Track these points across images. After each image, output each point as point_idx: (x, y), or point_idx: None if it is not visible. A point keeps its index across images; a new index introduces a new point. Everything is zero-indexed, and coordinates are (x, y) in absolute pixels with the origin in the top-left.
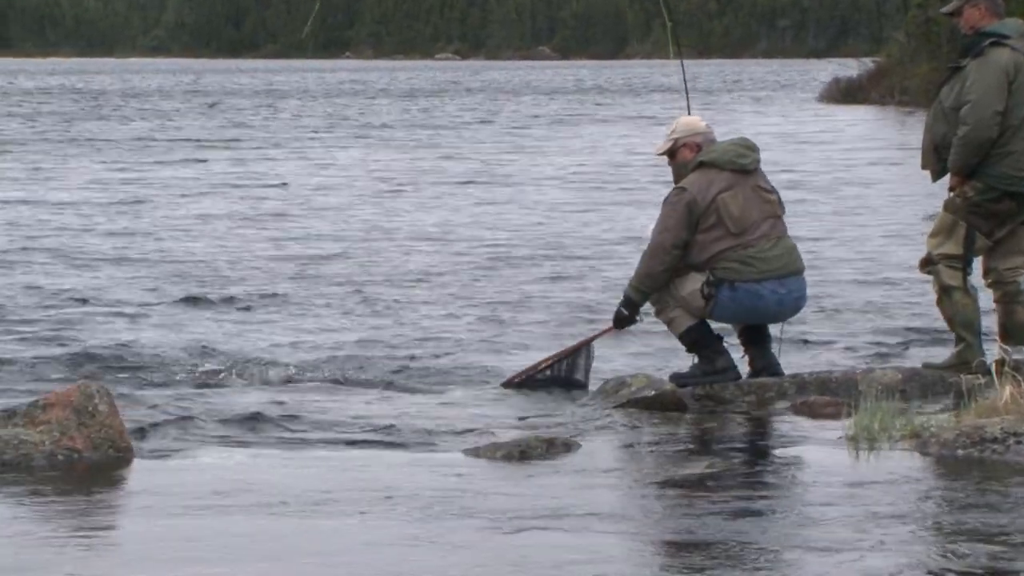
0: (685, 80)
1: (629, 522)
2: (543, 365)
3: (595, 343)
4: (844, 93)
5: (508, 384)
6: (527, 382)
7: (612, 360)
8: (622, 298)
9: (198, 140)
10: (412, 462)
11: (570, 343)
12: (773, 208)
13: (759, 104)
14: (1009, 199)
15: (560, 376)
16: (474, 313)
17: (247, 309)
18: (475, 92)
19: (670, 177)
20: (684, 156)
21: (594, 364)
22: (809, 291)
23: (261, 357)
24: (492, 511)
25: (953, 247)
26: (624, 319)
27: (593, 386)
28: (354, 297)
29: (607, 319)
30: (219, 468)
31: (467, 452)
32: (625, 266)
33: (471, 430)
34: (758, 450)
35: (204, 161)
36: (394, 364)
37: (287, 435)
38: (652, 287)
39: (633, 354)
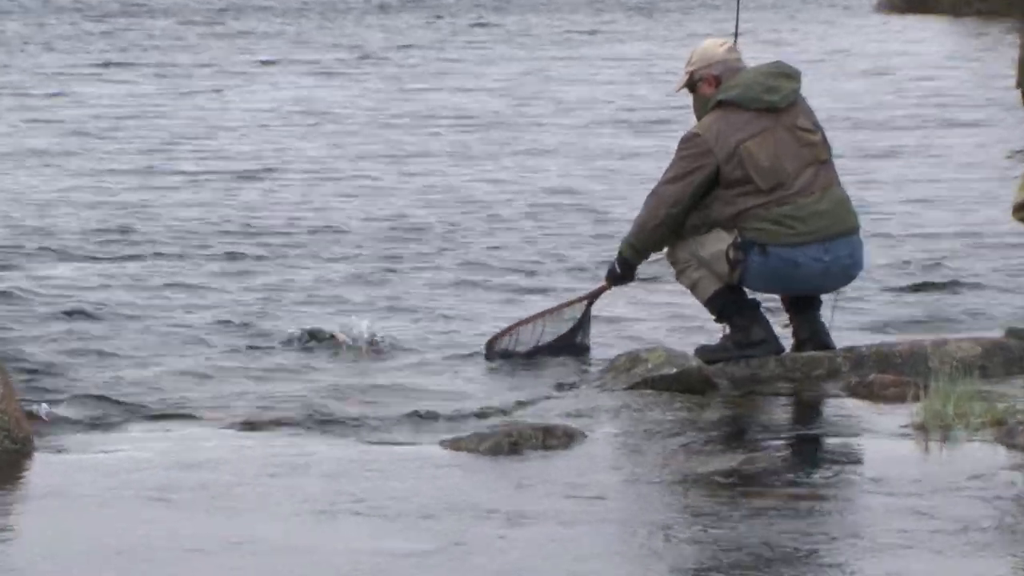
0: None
1: (644, 531)
2: (529, 323)
3: (595, 307)
4: (908, 0)
5: (491, 349)
6: (517, 353)
7: (625, 330)
8: (617, 253)
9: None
10: (372, 455)
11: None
12: (815, 152)
13: (804, 16)
14: None
15: (558, 344)
16: (463, 274)
17: (184, 270)
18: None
19: None
20: (704, 92)
21: (604, 335)
22: (869, 247)
23: (191, 325)
24: (468, 523)
25: None
26: (617, 277)
27: (600, 359)
28: (311, 250)
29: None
30: (132, 461)
31: (444, 444)
32: None
33: (449, 415)
34: (804, 442)
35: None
36: (353, 330)
37: (219, 421)
38: (646, 245)
39: (650, 322)
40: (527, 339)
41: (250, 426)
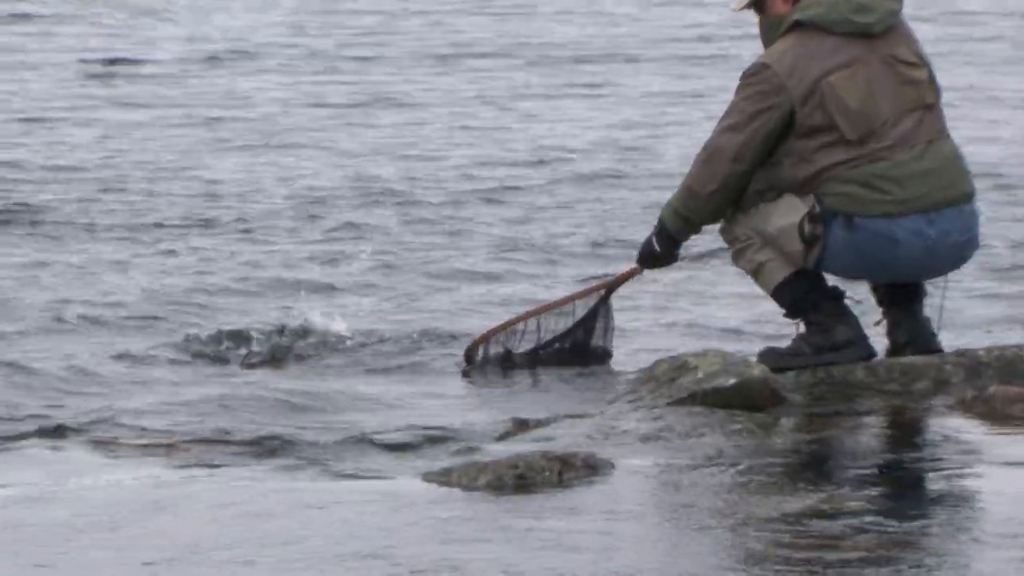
0: None
1: None
2: (527, 320)
3: (615, 295)
4: None
5: (474, 355)
6: (512, 360)
7: (663, 329)
8: (656, 225)
9: None
10: (312, 489)
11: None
12: (920, 93)
13: None
14: None
15: (567, 347)
16: (454, 260)
17: (81, 246)
18: None
19: None
20: (775, 10)
21: (637, 335)
22: (986, 223)
23: (92, 318)
24: None
25: None
26: (655, 256)
27: (632, 367)
28: (248, 224)
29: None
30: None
31: (429, 478)
32: None
33: (439, 439)
34: (900, 476)
35: None
36: (306, 326)
37: (108, 443)
38: (698, 214)
39: (698, 319)
40: (525, 342)
41: (148, 451)
